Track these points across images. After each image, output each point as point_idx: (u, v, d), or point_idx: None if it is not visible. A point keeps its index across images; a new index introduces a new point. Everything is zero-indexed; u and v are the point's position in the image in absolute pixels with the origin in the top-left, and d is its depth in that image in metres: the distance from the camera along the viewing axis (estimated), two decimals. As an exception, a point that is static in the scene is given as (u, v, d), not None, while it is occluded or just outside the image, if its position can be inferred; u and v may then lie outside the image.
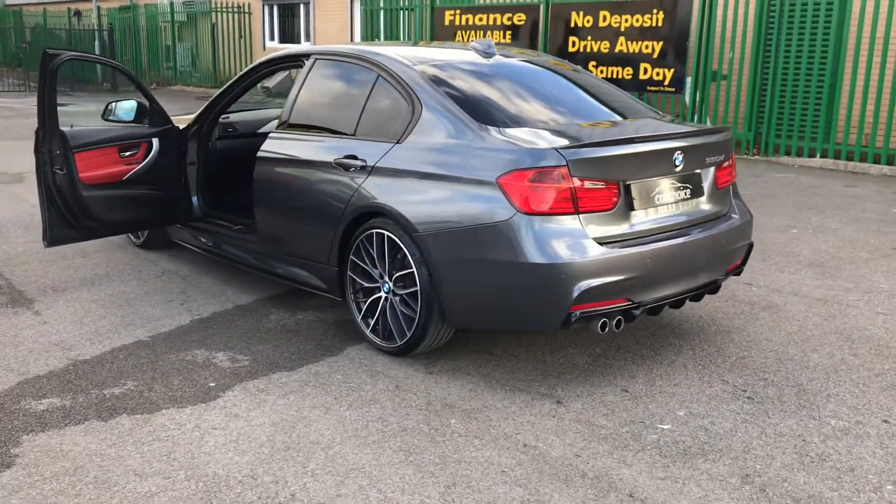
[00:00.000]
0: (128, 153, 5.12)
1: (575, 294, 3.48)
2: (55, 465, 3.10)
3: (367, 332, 4.21)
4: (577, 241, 3.53)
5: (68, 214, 4.86)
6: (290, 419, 3.46)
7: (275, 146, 4.73)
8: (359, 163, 4.15)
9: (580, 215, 3.55)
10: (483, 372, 3.94)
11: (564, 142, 3.67)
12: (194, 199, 5.61)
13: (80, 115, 13.89)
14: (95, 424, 3.41)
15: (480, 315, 3.77)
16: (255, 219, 4.86)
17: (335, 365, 4.03)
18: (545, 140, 3.71)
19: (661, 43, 11.46)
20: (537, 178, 3.50)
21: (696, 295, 4.03)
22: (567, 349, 4.21)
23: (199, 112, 5.57)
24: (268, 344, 4.31)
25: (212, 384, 3.80)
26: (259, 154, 4.79)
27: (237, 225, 5.30)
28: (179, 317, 4.71)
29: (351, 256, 4.24)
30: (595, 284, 3.51)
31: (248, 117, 6.07)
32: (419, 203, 3.84)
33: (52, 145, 4.73)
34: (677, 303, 3.96)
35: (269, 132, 4.85)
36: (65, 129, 4.81)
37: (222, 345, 4.29)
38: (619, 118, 4.37)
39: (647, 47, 11.60)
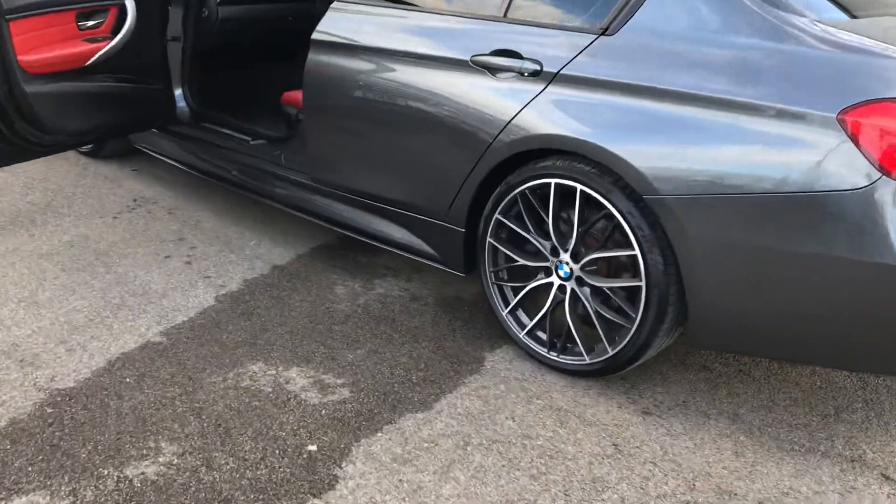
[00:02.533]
0: (90, 23, 3.23)
1: (970, 323, 2.06)
2: None
3: (522, 335, 2.70)
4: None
5: (1, 123, 3.02)
6: (487, 536, 1.97)
7: (344, 26, 2.98)
8: (525, 65, 2.50)
9: (977, 187, 2.09)
10: (727, 410, 2.52)
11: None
12: (178, 92, 3.80)
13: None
14: (137, 566, 1.83)
15: (764, 337, 2.29)
16: (306, 135, 3.16)
17: (488, 395, 2.52)
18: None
19: None
20: (929, 119, 2.00)
21: None
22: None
23: (186, -40, 3.67)
24: (361, 348, 2.72)
25: (311, 447, 2.23)
26: (315, 36, 3.04)
27: (257, 138, 3.56)
28: (194, 290, 3.03)
29: (497, 216, 2.66)
30: None
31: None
32: (657, 145, 2.28)
33: (-30, 7, 2.82)
34: None
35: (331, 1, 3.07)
36: (-9, -21, 2.90)
37: (289, 352, 2.68)
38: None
39: None
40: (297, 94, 3.58)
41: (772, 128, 2.12)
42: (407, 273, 3.28)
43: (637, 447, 2.32)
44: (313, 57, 3.04)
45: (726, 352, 2.65)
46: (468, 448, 2.27)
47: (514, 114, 2.52)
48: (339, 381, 2.53)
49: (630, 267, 2.47)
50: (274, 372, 2.56)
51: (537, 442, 2.31)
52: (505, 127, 2.54)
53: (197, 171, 3.77)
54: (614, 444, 2.33)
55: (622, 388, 2.60)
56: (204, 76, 3.85)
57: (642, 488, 2.16)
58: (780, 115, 2.11)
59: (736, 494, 2.16)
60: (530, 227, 2.61)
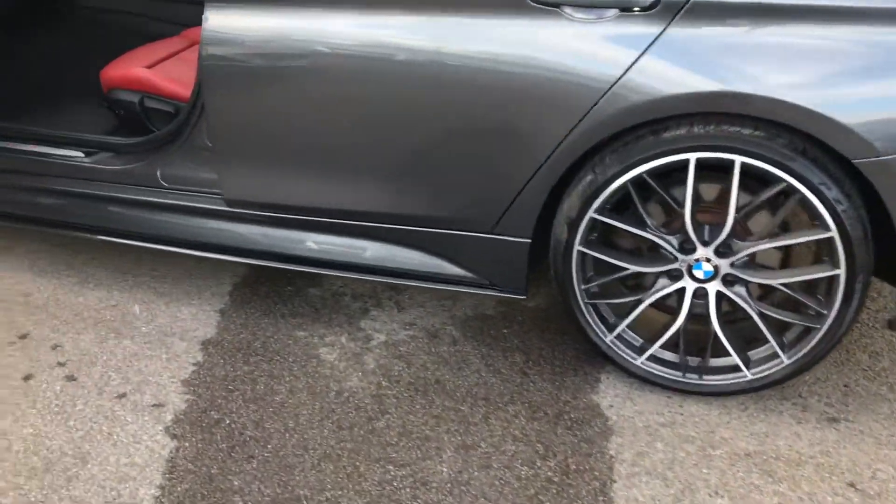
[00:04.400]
0: None
1: None
2: None
3: (640, 361, 2.00)
4: None
5: None
6: None
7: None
8: (628, -5, 1.69)
9: None
10: (890, 380, 2.09)
11: None
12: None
13: None
14: None
15: None
16: (214, 137, 2.06)
17: (655, 465, 1.82)
18: None
19: None
20: None
21: None
22: None
23: None
24: (443, 450, 1.85)
25: None
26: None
27: (93, 150, 2.33)
28: (123, 429, 1.90)
29: (591, 214, 1.87)
30: None
31: None
32: (871, 87, 1.64)
33: None
34: None
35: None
36: None
37: (355, 494, 1.73)
38: None
39: None
40: (127, 69, 2.42)
41: None
42: (389, 297, 2.37)
43: (872, 477, 1.80)
44: (218, 19, 1.90)
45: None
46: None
47: (622, 71, 1.71)
48: (469, 522, 1.67)
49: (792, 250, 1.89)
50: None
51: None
52: (607, 91, 1.73)
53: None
54: (849, 484, 1.79)
55: (777, 395, 2.04)
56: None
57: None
58: None
59: None
60: (648, 223, 1.87)
